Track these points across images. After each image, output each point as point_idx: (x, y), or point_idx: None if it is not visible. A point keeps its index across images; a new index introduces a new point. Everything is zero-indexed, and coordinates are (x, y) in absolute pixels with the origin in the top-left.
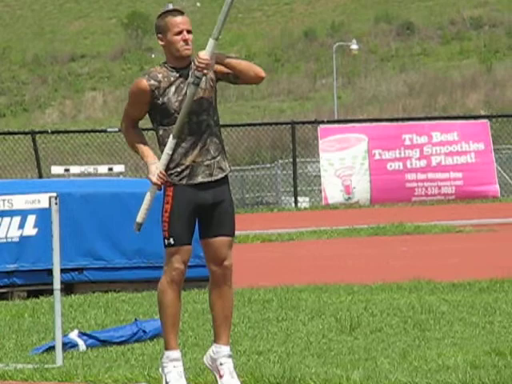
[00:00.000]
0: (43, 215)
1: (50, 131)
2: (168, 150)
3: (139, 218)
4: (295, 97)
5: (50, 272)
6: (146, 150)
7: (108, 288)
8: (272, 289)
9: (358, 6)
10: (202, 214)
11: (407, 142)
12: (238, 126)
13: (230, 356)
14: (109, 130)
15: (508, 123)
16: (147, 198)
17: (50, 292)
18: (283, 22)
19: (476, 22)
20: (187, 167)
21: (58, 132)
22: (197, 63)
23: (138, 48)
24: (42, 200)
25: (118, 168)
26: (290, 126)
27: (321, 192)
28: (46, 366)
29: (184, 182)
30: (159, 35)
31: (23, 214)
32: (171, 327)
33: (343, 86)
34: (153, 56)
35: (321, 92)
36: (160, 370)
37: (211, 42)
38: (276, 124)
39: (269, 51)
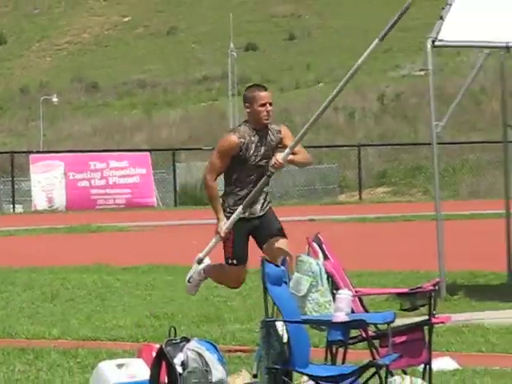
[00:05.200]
0: None
1: None
2: (235, 215)
3: (202, 255)
4: (14, 134)
5: None
6: (219, 207)
7: None
8: None
9: (59, 70)
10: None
11: (92, 167)
12: None
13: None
14: None
15: (163, 155)
16: (212, 242)
17: None
18: (5, 83)
19: (141, 83)
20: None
21: None
22: (273, 162)
23: None
24: None
25: None
26: (9, 154)
27: (32, 201)
28: None
29: (247, 215)
30: (246, 104)
31: None
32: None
33: (47, 127)
34: None
35: (32, 131)
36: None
37: (287, 151)
38: None
39: None
